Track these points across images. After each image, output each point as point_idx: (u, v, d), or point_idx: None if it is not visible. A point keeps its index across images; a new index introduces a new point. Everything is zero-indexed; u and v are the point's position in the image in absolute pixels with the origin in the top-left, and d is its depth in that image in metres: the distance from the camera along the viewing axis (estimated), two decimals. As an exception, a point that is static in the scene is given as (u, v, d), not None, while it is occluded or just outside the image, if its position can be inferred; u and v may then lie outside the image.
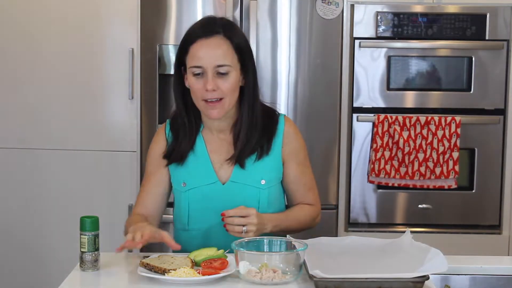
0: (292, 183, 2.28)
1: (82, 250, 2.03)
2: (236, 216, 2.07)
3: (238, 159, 2.19)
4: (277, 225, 2.17)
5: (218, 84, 2.12)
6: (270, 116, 2.25)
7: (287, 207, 2.33)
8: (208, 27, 2.14)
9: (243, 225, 2.06)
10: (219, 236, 2.15)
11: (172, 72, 3.53)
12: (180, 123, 2.24)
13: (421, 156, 3.53)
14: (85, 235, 2.03)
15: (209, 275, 1.93)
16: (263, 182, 2.21)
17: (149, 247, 3.43)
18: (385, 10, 3.55)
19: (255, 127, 2.19)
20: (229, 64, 2.12)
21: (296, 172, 2.27)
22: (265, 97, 3.47)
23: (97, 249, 2.04)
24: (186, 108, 2.22)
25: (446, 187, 3.56)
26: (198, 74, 2.12)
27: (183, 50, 2.15)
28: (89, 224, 2.04)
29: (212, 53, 2.11)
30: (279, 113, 2.28)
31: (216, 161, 2.23)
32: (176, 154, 2.23)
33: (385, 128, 3.52)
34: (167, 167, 2.27)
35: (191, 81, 2.14)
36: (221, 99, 2.13)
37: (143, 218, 2.23)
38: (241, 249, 1.97)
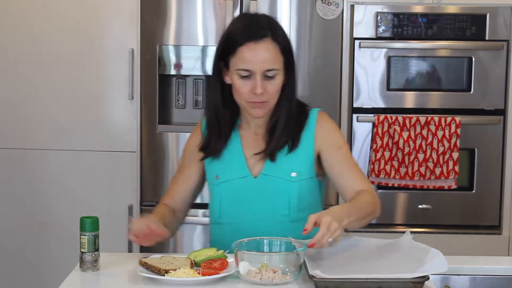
0: (334, 167, 2.21)
1: (82, 250, 2.03)
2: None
3: (270, 153, 2.19)
4: (349, 213, 2.02)
5: (266, 87, 2.13)
6: (302, 110, 2.25)
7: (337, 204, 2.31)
8: (256, 30, 2.13)
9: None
10: (250, 230, 2.13)
11: (172, 72, 3.57)
12: (215, 118, 2.23)
13: (421, 156, 3.53)
14: (85, 235, 2.03)
15: (209, 275, 1.93)
16: (293, 174, 2.19)
17: (149, 248, 3.42)
18: (385, 10, 3.55)
19: (290, 124, 2.20)
20: (277, 68, 2.13)
21: (336, 155, 2.21)
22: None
23: (97, 249, 2.04)
24: (223, 103, 2.21)
25: (446, 187, 3.56)
26: (245, 76, 2.13)
27: (228, 50, 2.14)
28: (89, 224, 2.04)
29: (262, 58, 2.11)
30: (311, 107, 2.28)
31: (249, 155, 2.23)
32: (212, 148, 2.24)
33: (385, 128, 3.52)
34: (201, 162, 2.28)
35: (236, 82, 2.14)
36: (267, 101, 2.15)
37: (169, 210, 2.26)
38: (241, 249, 1.97)
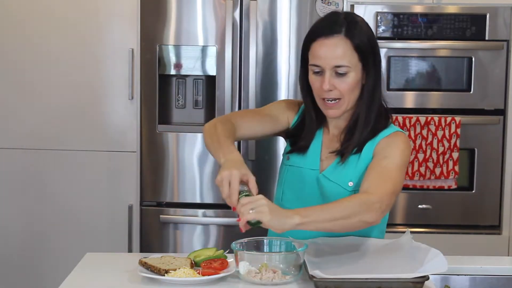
0: (366, 173, 2.11)
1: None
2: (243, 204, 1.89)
3: (342, 152, 2.16)
4: (306, 215, 1.89)
5: (336, 84, 2.10)
6: (382, 121, 2.18)
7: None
8: (330, 26, 2.11)
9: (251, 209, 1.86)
10: None
11: (172, 72, 3.57)
12: (310, 116, 2.22)
13: (421, 156, 3.53)
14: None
15: (209, 275, 1.93)
16: (350, 184, 2.15)
17: (149, 248, 3.43)
18: (385, 10, 3.55)
19: (367, 127, 2.15)
20: (347, 64, 2.09)
21: (376, 161, 2.11)
22: (266, 98, 3.48)
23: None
24: (312, 101, 2.20)
25: (446, 187, 3.56)
26: (318, 72, 2.12)
27: (305, 46, 2.15)
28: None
29: (331, 53, 2.09)
30: (391, 123, 2.20)
31: (324, 153, 2.21)
32: (301, 145, 2.22)
33: (385, 128, 3.52)
34: (284, 121, 2.25)
35: (311, 78, 2.14)
36: (339, 99, 2.12)
37: (232, 132, 2.14)
38: (241, 249, 1.97)
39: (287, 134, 2.28)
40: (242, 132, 2.21)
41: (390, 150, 2.11)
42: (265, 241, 2.06)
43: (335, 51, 2.08)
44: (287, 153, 2.27)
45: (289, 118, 2.28)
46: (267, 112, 2.27)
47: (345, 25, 2.10)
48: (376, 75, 2.15)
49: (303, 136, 2.23)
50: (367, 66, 2.13)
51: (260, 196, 1.89)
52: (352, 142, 2.15)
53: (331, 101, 2.12)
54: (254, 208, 1.84)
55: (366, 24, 2.18)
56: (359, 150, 2.14)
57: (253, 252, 1.99)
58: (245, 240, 2.04)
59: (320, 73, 2.11)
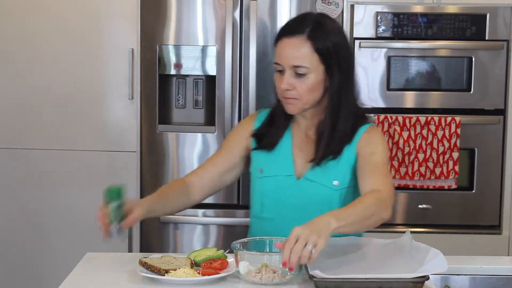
0: (359, 170, 2.14)
1: (108, 221, 1.97)
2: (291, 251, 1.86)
3: (317, 159, 2.17)
4: (339, 218, 1.88)
5: (294, 84, 2.12)
6: (358, 122, 2.20)
7: None
8: (295, 26, 2.14)
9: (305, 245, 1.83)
10: (289, 230, 2.06)
11: (172, 72, 3.57)
12: (277, 113, 2.24)
13: (421, 156, 3.53)
14: (111, 203, 1.97)
15: (209, 275, 1.93)
16: (335, 183, 2.17)
17: (149, 248, 3.43)
18: (385, 10, 3.55)
19: (338, 131, 2.16)
20: (306, 65, 2.10)
21: (366, 159, 2.14)
22: (266, 98, 3.48)
23: (122, 219, 1.99)
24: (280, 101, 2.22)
25: (446, 187, 3.56)
26: (280, 71, 2.14)
27: (275, 44, 2.17)
28: (114, 192, 1.97)
29: (291, 53, 2.11)
30: (368, 122, 2.23)
31: (297, 155, 2.23)
32: (268, 141, 2.24)
33: (385, 128, 3.52)
34: (247, 149, 2.28)
35: (274, 76, 2.17)
36: (297, 99, 2.14)
37: (179, 187, 2.24)
38: (241, 249, 1.97)
39: (253, 134, 2.28)
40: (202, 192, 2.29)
41: (375, 145, 2.17)
42: (265, 241, 2.06)
43: (295, 51, 2.10)
44: (253, 149, 2.26)
45: (247, 145, 2.28)
46: (227, 155, 2.29)
47: (311, 26, 2.11)
48: (342, 79, 2.14)
49: (270, 133, 2.24)
50: (331, 69, 2.12)
51: (296, 232, 1.82)
52: (328, 148, 2.16)
53: (289, 97, 2.14)
54: (307, 243, 1.81)
55: (338, 28, 2.19)
56: (340, 152, 2.16)
57: (253, 252, 1.99)
58: (246, 240, 2.04)
59: (282, 72, 2.13)
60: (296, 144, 2.24)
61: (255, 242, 2.05)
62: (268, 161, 2.24)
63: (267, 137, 2.24)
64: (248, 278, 1.92)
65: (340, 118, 2.16)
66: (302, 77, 2.11)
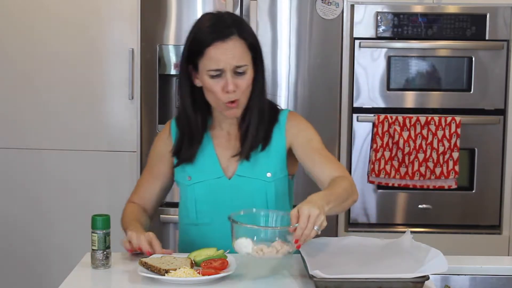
0: (307, 158, 2.20)
1: (93, 248, 2.04)
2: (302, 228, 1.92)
3: (244, 153, 2.20)
4: (329, 200, 1.97)
5: (237, 84, 2.13)
6: (273, 108, 2.27)
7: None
8: (223, 29, 2.14)
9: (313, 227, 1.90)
10: (228, 231, 2.10)
11: (172, 72, 3.56)
12: (186, 122, 2.23)
13: (421, 156, 3.53)
14: (96, 233, 2.05)
15: (209, 275, 1.92)
16: (269, 175, 2.21)
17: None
18: (385, 10, 3.55)
19: (262, 121, 2.21)
20: (245, 63, 2.14)
21: (307, 146, 2.21)
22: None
23: (107, 247, 2.05)
24: (193, 106, 2.22)
25: (446, 187, 3.56)
26: (216, 76, 2.13)
27: (196, 52, 2.14)
28: (100, 222, 2.06)
29: (231, 55, 2.12)
30: (281, 108, 2.30)
31: (222, 155, 2.24)
32: (185, 155, 2.24)
33: (385, 128, 3.52)
34: (172, 163, 2.28)
35: (208, 83, 2.14)
36: (238, 99, 2.15)
37: (140, 210, 2.30)
38: (239, 221, 1.95)
39: (173, 153, 2.27)
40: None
41: (307, 130, 2.25)
42: (261, 212, 2.05)
43: (234, 52, 2.12)
44: (175, 166, 2.27)
45: (172, 160, 2.29)
46: (157, 174, 2.31)
47: (236, 26, 2.15)
48: (262, 68, 2.22)
49: (186, 146, 2.24)
50: (256, 62, 2.19)
51: (307, 209, 1.88)
52: (256, 139, 2.20)
53: (232, 102, 2.15)
54: (315, 224, 1.88)
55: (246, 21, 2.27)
56: (268, 141, 2.21)
57: (251, 226, 1.94)
58: (241, 212, 2.02)
59: (219, 75, 2.13)
60: (218, 144, 2.25)
61: (251, 215, 2.03)
62: (193, 169, 2.24)
63: (185, 151, 2.24)
64: (259, 254, 1.90)
65: (264, 109, 2.22)
66: (242, 75, 2.14)
